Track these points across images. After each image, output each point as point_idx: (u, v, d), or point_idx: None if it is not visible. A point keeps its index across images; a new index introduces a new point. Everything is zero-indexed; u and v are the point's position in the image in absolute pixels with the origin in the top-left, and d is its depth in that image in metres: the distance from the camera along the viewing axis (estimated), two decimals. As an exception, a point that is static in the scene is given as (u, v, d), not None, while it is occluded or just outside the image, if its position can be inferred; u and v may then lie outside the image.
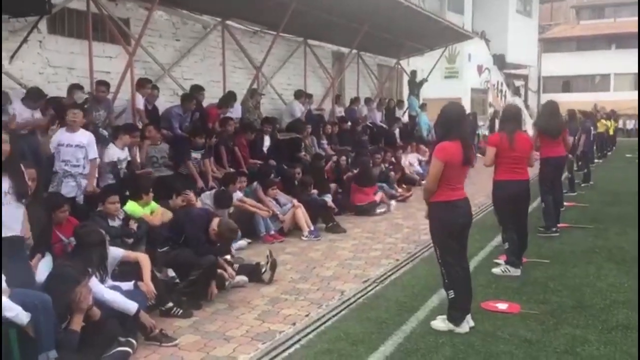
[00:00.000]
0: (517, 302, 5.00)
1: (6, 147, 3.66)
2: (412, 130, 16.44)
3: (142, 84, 8.30)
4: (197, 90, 9.34)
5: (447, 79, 21.28)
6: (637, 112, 35.31)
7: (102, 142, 6.87)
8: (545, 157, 7.69)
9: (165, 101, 9.73)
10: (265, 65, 12.04)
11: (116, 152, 6.88)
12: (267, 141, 9.74)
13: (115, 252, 4.73)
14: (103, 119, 7.75)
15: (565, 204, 9.14)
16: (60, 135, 6.23)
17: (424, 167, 13.66)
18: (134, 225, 5.65)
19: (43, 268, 4.44)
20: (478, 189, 11.69)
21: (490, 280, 5.65)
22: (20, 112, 6.55)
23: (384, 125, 15.44)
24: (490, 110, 23.35)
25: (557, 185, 7.98)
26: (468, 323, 4.34)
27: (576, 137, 11.66)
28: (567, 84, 46.73)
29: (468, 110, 20.57)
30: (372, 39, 14.02)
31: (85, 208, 6.09)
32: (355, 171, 10.35)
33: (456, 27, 16.23)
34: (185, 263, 5.21)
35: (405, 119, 17.21)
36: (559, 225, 7.79)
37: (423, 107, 16.81)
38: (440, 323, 4.38)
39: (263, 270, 5.81)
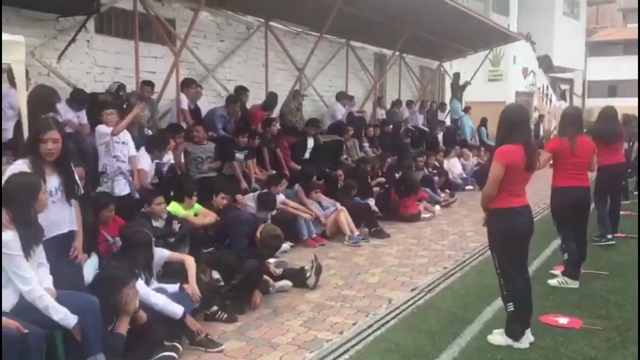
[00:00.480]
0: (578, 316, 4.71)
1: (58, 145, 3.60)
2: (454, 134, 16.09)
3: (187, 84, 8.29)
4: (241, 91, 9.29)
5: (491, 82, 20.80)
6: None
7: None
8: (601, 165, 7.31)
9: (208, 102, 9.72)
10: (307, 67, 11.93)
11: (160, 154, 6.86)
12: (310, 143, 9.59)
13: (161, 253, 4.66)
14: (147, 120, 7.74)
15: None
16: (107, 131, 6.06)
17: (468, 172, 13.35)
18: (176, 226, 5.57)
19: (89, 268, 4.38)
20: (529, 195, 11.24)
21: (547, 292, 5.35)
22: (63, 112, 6.55)
23: (426, 129, 15.15)
24: (535, 115, 22.69)
25: (614, 194, 7.58)
26: (528, 338, 4.09)
27: (630, 143, 11.16)
28: (613, 89, 45.23)
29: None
30: (415, 40, 13.77)
31: (130, 207, 6.04)
32: (397, 176, 10.12)
33: (503, 29, 15.82)
34: (229, 266, 5.11)
35: (448, 122, 16.87)
36: (615, 234, 7.41)
37: (467, 110, 16.43)
38: (498, 337, 4.14)
39: (307, 275, 5.65)
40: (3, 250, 3.12)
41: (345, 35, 13.40)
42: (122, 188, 5.97)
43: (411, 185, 9.49)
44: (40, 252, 3.41)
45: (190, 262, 4.66)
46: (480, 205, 4.27)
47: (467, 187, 12.64)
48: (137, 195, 6.06)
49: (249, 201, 6.88)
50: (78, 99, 6.79)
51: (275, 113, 10.32)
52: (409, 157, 11.16)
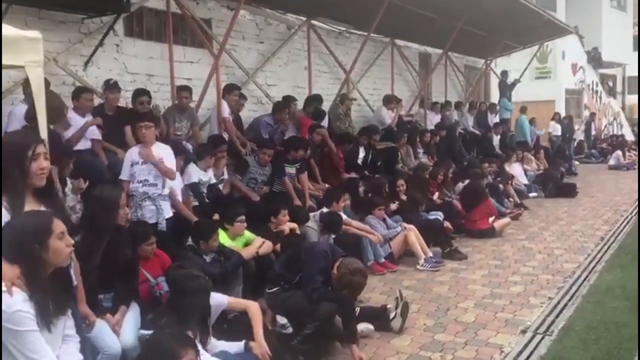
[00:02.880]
0: None
1: (47, 164, 2.54)
2: (511, 136, 14.95)
3: (229, 90, 7.32)
4: (290, 100, 8.33)
5: (538, 79, 19.48)
6: None
7: (184, 158, 5.92)
8: None
9: (248, 110, 8.79)
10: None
11: (197, 173, 5.91)
12: (361, 153, 8.56)
13: (219, 300, 3.65)
14: (187, 131, 6.81)
15: None
16: (133, 152, 5.12)
17: (530, 178, 12.14)
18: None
19: (130, 325, 3.42)
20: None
21: None
22: (75, 121, 5.59)
23: (476, 131, 13.99)
24: (586, 113, 21.28)
25: None
26: None
27: None
28: (655, 84, 43.37)
29: (563, 113, 18.74)
30: (462, 37, 12.60)
31: (169, 237, 5.05)
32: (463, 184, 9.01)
33: (558, 21, 14.60)
34: (301, 310, 4.08)
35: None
36: None
37: (524, 110, 15.25)
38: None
39: (392, 315, 4.61)
40: (4, 323, 2.13)
41: (390, 34, 12.36)
42: (150, 216, 4.93)
43: (481, 195, 8.35)
44: (67, 321, 2.43)
45: (255, 309, 3.66)
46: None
47: (532, 194, 11.43)
48: (163, 226, 4.98)
49: (311, 223, 5.86)
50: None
51: (325, 120, 9.31)
52: (475, 164, 10.02)
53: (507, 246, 7.49)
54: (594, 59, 22.05)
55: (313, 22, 10.32)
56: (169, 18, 7.55)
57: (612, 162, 16.68)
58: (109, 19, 6.70)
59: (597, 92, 22.56)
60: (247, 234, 5.29)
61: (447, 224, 7.40)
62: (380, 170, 8.86)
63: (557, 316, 4.81)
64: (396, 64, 13.06)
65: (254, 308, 3.66)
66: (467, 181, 9.07)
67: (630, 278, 5.66)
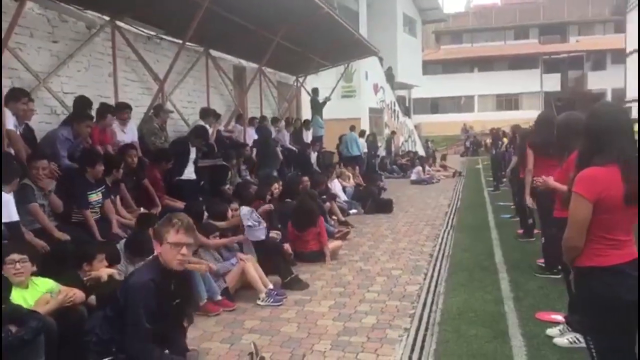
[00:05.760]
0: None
1: None
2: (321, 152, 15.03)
3: (15, 97, 5.78)
4: (88, 105, 6.95)
5: (344, 98, 20.13)
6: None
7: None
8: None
9: (40, 121, 7.23)
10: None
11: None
12: (189, 172, 7.56)
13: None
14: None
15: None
16: None
17: (348, 194, 12.16)
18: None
19: None
20: (434, 208, 10.47)
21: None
22: None
23: (293, 148, 13.76)
24: (387, 131, 22.61)
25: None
26: None
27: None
28: (435, 106, 48.77)
29: (368, 130, 19.58)
30: (277, 52, 12.25)
31: None
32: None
33: (366, 42, 15.08)
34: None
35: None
36: None
37: (352, 128, 16.90)
38: None
39: (247, 376, 3.77)
40: None
41: (205, 43, 11.47)
42: None
43: (314, 215, 7.87)
44: None
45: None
46: (565, 260, 2.82)
47: (352, 211, 11.42)
48: None
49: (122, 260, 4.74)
50: None
51: (134, 134, 8.07)
52: (297, 181, 9.58)
53: (345, 269, 7.09)
54: (389, 79, 23.64)
55: (118, 22, 8.99)
56: None
57: (413, 177, 17.80)
58: None
59: (395, 111, 24.18)
60: (46, 281, 4.03)
61: (286, 246, 6.75)
62: (204, 191, 7.91)
63: (421, 351, 4.42)
64: (211, 77, 12.19)
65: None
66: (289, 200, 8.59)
67: (476, 299, 5.59)
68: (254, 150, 11.09)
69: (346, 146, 16.71)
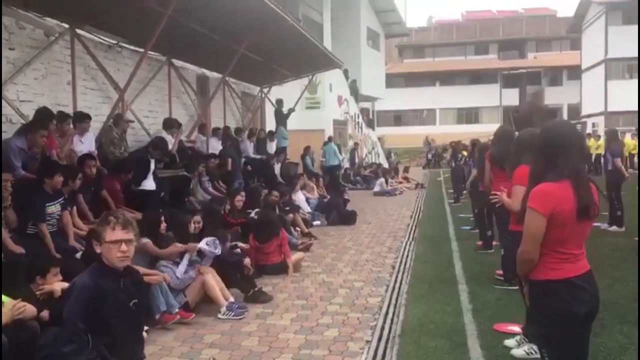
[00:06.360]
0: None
1: None
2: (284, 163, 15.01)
3: (-34, 104, 5.62)
4: (46, 116, 6.78)
5: (308, 109, 20.21)
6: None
7: None
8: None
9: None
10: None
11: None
12: (149, 183, 7.44)
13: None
14: None
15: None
16: None
17: (312, 206, 12.16)
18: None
19: None
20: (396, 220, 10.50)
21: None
22: None
23: (257, 157, 13.71)
24: (351, 143, 22.77)
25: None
26: None
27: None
28: (398, 118, 49.43)
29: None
30: (241, 62, 12.23)
31: None
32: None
33: (331, 55, 15.19)
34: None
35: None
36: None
37: (330, 139, 17.87)
38: None
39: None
40: None
41: (167, 52, 11.37)
42: None
43: (275, 226, 7.82)
44: None
45: None
46: (519, 274, 2.87)
47: (315, 223, 11.42)
48: None
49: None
50: None
51: (92, 144, 7.90)
52: (260, 192, 9.53)
53: (307, 282, 7.07)
54: (353, 91, 23.86)
55: (78, 30, 8.84)
56: None
57: (376, 188, 17.93)
58: None
59: (358, 123, 24.39)
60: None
61: (246, 261, 6.67)
62: (165, 203, 7.79)
63: (383, 363, 4.44)
64: (173, 86, 12.07)
65: None
66: (255, 211, 8.53)
67: (436, 311, 5.64)
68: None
69: (325, 156, 17.54)
